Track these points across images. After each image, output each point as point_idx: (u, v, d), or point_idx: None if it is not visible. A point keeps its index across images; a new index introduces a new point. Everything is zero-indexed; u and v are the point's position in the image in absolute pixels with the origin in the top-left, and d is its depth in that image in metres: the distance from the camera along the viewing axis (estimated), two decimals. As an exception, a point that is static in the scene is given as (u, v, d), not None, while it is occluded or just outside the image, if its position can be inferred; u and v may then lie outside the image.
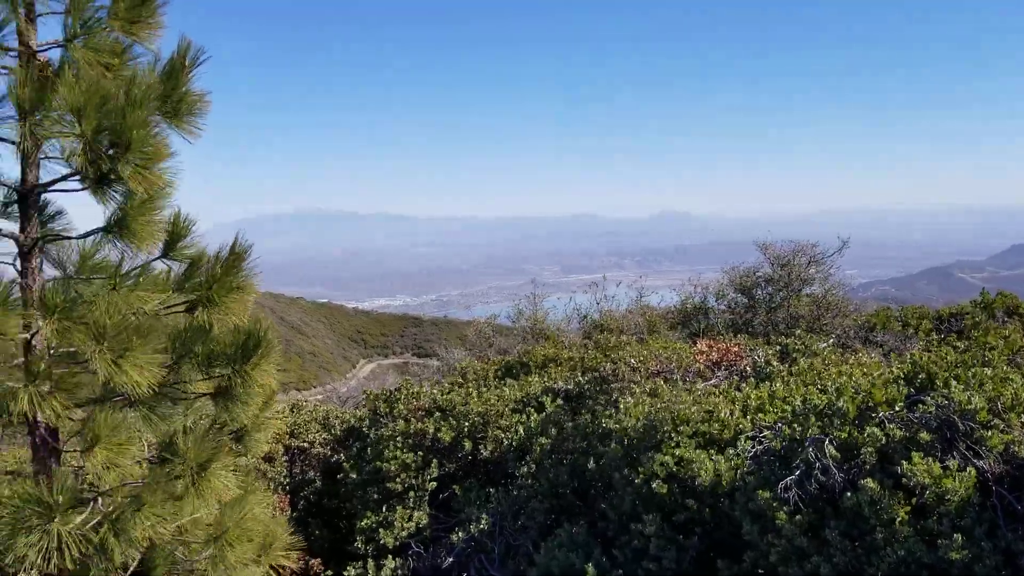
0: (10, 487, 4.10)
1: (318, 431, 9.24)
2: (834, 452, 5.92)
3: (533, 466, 7.29)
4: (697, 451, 6.50)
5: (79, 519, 4.07)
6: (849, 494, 5.57)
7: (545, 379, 9.32)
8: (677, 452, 6.52)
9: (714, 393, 7.62)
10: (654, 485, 6.31)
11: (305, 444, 9.11)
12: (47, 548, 3.91)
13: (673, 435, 6.73)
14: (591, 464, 6.80)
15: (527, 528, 6.96)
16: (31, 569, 4.40)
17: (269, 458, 8.61)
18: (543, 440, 7.31)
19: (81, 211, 4.89)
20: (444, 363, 17.19)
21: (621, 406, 7.11)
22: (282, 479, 8.67)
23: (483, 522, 6.97)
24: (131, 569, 4.58)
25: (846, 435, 5.98)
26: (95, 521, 4.20)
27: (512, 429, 7.90)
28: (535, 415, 7.86)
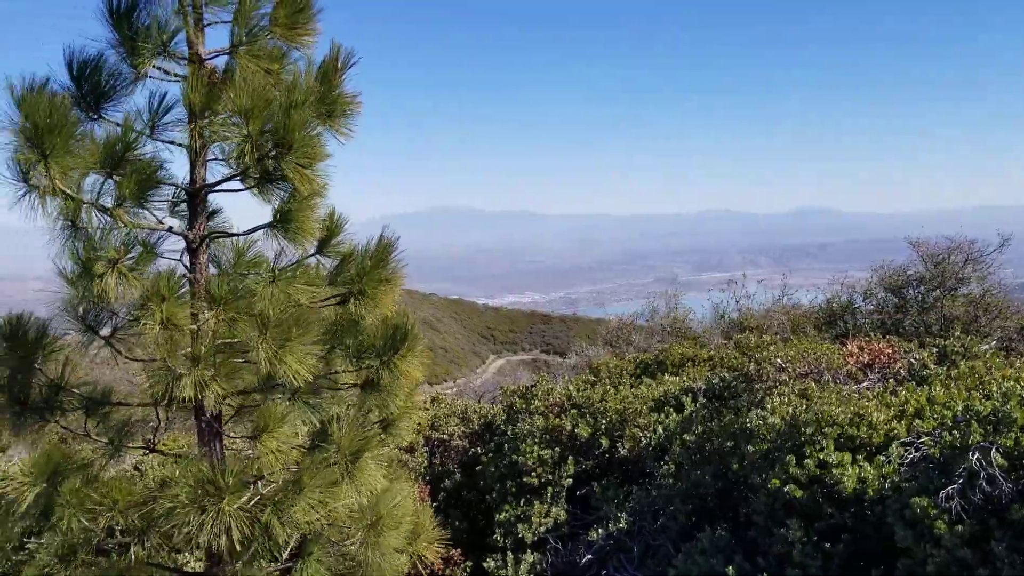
0: (183, 469, 4.36)
1: (457, 424, 9.44)
2: (1001, 460, 5.54)
3: (673, 466, 7.17)
4: (841, 454, 6.23)
5: (244, 500, 4.29)
6: (1017, 505, 5.22)
7: (683, 378, 9.16)
8: (820, 456, 6.27)
9: (867, 396, 7.26)
10: (789, 488, 6.09)
11: (444, 436, 9.32)
12: (217, 526, 4.14)
13: (818, 437, 6.47)
14: (735, 465, 6.63)
15: (666, 529, 6.85)
16: (202, 546, 4.70)
17: (410, 449, 8.85)
18: (684, 439, 7.18)
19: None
20: (581, 359, 17.20)
21: (768, 406, 6.88)
22: (422, 470, 8.90)
23: (622, 521, 6.91)
24: (290, 550, 4.81)
25: (1013, 443, 5.59)
26: (257, 502, 4.42)
27: (651, 428, 7.80)
28: (674, 414, 7.73)
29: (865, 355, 8.53)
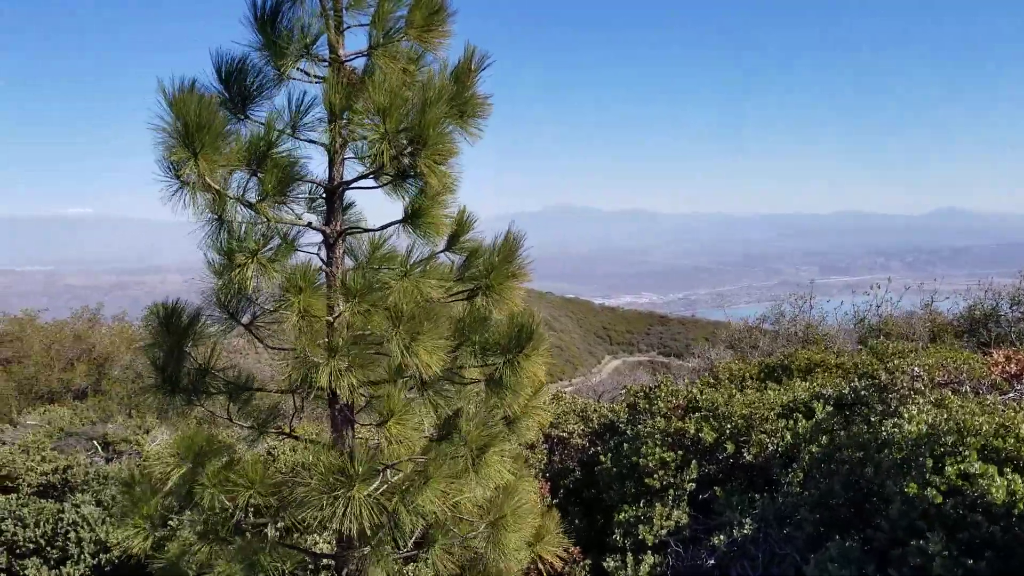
0: (316, 456, 4.53)
1: (576, 423, 9.42)
2: None
3: (801, 474, 6.93)
4: (986, 465, 5.86)
5: (373, 488, 4.42)
6: None
7: (812, 384, 8.83)
8: (962, 466, 5.92)
9: (1013, 408, 6.82)
10: (929, 493, 5.77)
11: (564, 435, 9.33)
12: (347, 512, 4.28)
13: (960, 448, 6.12)
14: (868, 469, 6.34)
15: (793, 538, 6.63)
16: (332, 530, 4.86)
17: (531, 446, 8.90)
18: (813, 448, 6.93)
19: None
20: (701, 362, 16.87)
21: (905, 415, 6.55)
22: (542, 466, 8.93)
23: (746, 527, 6.73)
24: (414, 538, 4.92)
25: None
26: (385, 490, 4.55)
27: (778, 434, 7.56)
28: (803, 421, 7.47)
29: (1013, 365, 8.00)
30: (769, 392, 8.57)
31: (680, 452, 7.73)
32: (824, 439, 6.96)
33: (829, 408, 7.66)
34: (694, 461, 7.62)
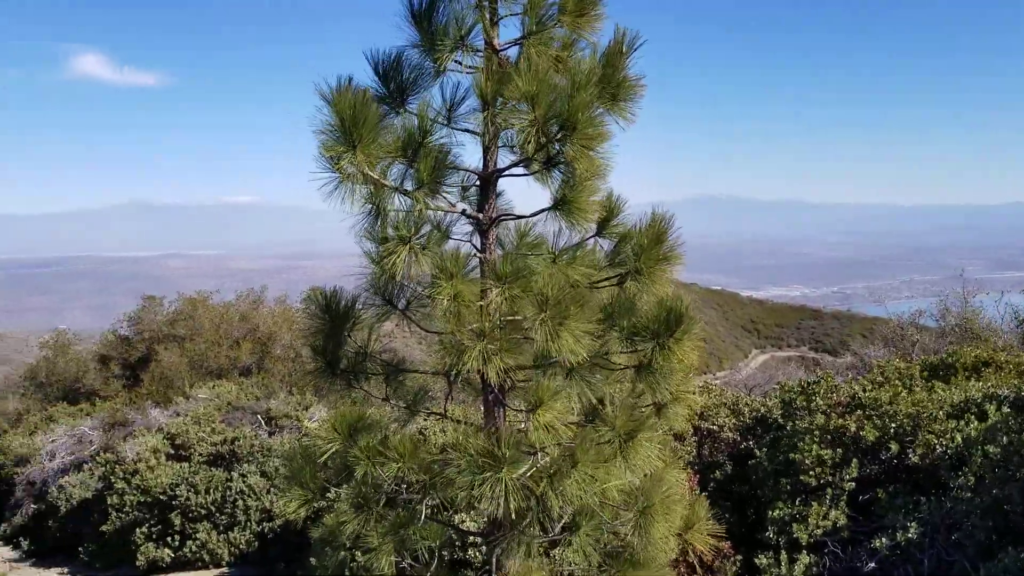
0: (465, 437, 4.63)
1: (727, 416, 9.21)
2: None
3: (972, 478, 6.48)
4: None
5: (521, 471, 4.48)
6: None
7: (984, 383, 8.23)
8: None
9: None
10: None
11: (714, 427, 9.13)
12: (495, 494, 4.36)
13: None
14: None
15: (962, 545, 6.22)
16: (480, 510, 4.97)
17: (680, 437, 8.76)
18: (987, 451, 6.46)
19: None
20: (857, 358, 16.06)
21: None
22: (691, 459, 8.79)
23: (911, 531, 6.37)
24: (561, 523, 4.95)
25: None
26: (533, 474, 4.60)
27: (947, 435, 7.10)
28: (976, 422, 6.98)
29: None
30: (938, 391, 8.05)
31: (839, 450, 7.39)
32: (999, 442, 6.47)
33: (1005, 409, 7.12)
34: (854, 460, 7.28)
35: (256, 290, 24.44)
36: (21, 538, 15.75)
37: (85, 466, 16.20)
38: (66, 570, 12.78)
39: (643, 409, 5.05)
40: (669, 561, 5.35)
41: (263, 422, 14.38)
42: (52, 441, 18.39)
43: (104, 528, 12.51)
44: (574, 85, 4.51)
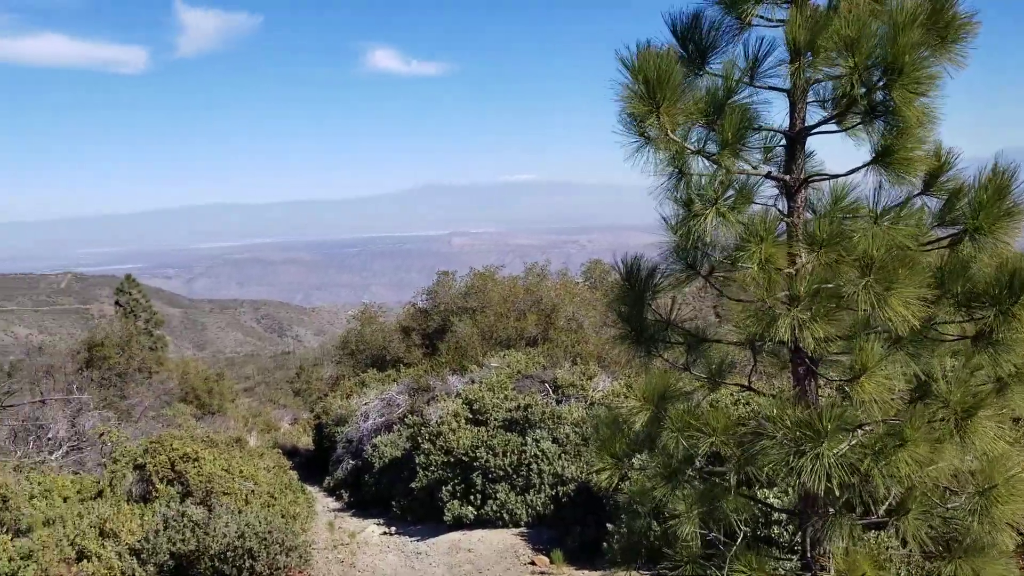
0: (780, 410, 4.43)
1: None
2: None
3: None
4: None
5: (843, 447, 4.21)
6: None
7: None
8: None
9: None
10: None
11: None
12: (815, 470, 4.13)
13: None
14: None
15: None
16: (793, 486, 4.75)
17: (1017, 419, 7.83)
18: None
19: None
20: None
21: None
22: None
23: None
24: (887, 504, 4.61)
25: None
26: (855, 450, 4.30)
27: None
28: None
29: None
30: None
31: None
32: None
33: None
34: None
35: (540, 264, 25.39)
36: (342, 491, 17.66)
37: (394, 427, 17.82)
38: (381, 521, 14.08)
39: (982, 383, 4.54)
40: (1015, 550, 4.80)
41: (550, 390, 14.90)
42: (365, 404, 20.43)
43: (413, 485, 13.66)
44: (897, 26, 4.11)
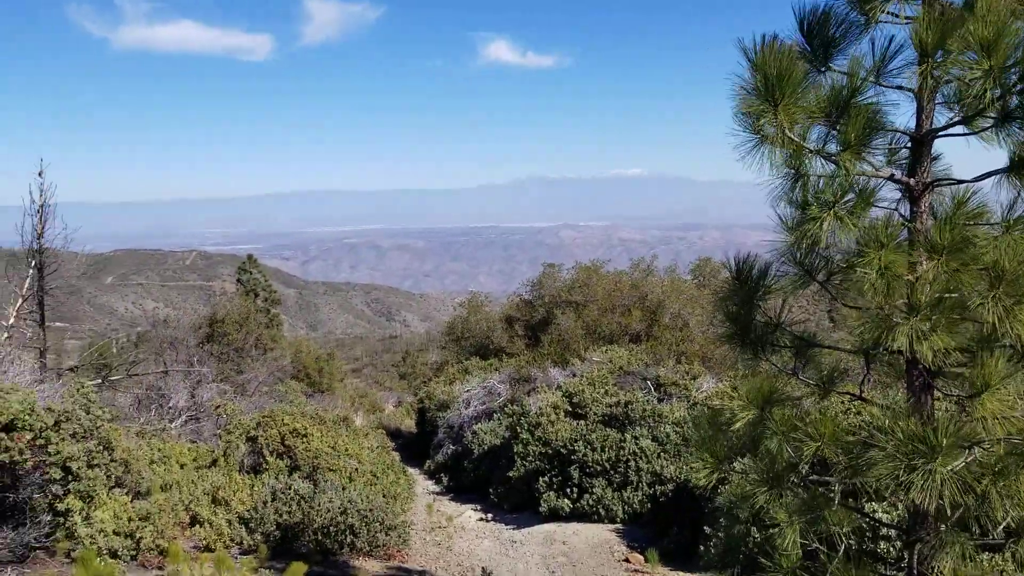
0: (892, 421, 4.28)
1: None
2: None
3: None
4: None
5: (957, 463, 4.03)
6: None
7: None
8: None
9: None
10: None
11: None
12: (926, 485, 3.98)
13: None
14: None
15: None
16: (902, 501, 4.59)
17: None
18: None
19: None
20: None
21: None
22: None
23: None
24: (1003, 526, 4.39)
25: None
26: (972, 468, 4.11)
27: None
28: None
29: None
30: None
31: None
32: None
33: None
34: None
35: (647, 260, 25.15)
36: (442, 474, 18.01)
37: (495, 415, 18.04)
38: (478, 507, 14.28)
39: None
40: None
41: (652, 388, 14.78)
42: (467, 391, 20.75)
43: (510, 473, 13.81)
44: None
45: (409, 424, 26.96)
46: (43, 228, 12.04)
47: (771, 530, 5.01)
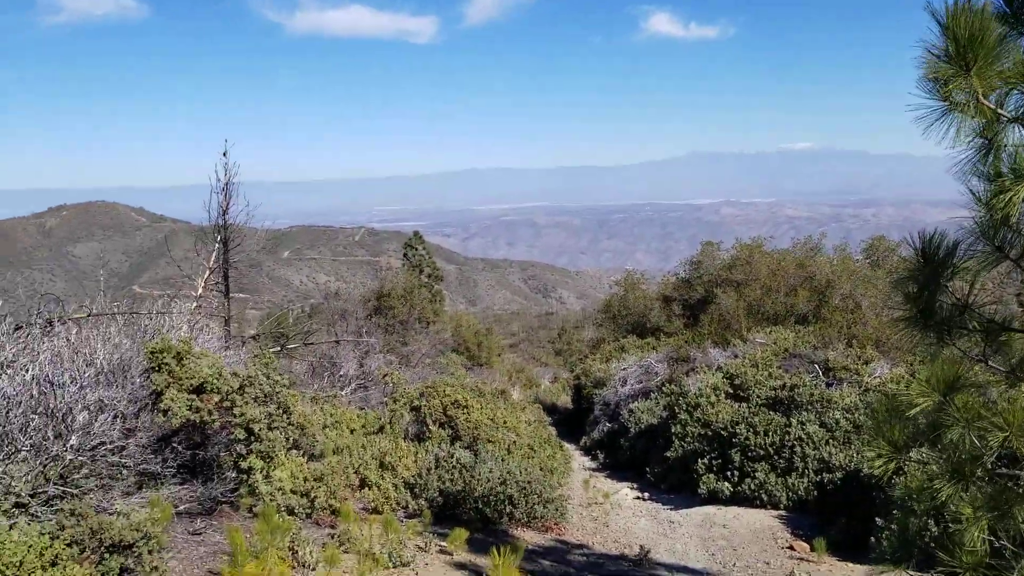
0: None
1: None
2: None
3: None
4: None
5: None
6: None
7: None
8: None
9: None
10: None
11: None
12: None
13: None
14: None
15: None
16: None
17: None
18: None
19: None
20: None
21: None
22: None
23: None
24: None
25: None
26: None
27: None
28: None
29: None
30: None
31: None
32: None
33: None
34: None
35: (814, 238, 24.06)
36: (598, 451, 18.09)
37: (651, 395, 17.89)
38: (635, 485, 14.24)
39: None
40: None
41: (820, 372, 14.17)
42: (624, 369, 20.69)
43: (668, 453, 13.67)
44: None
45: (565, 400, 27.21)
46: (228, 205, 12.90)
47: (952, 525, 4.71)
